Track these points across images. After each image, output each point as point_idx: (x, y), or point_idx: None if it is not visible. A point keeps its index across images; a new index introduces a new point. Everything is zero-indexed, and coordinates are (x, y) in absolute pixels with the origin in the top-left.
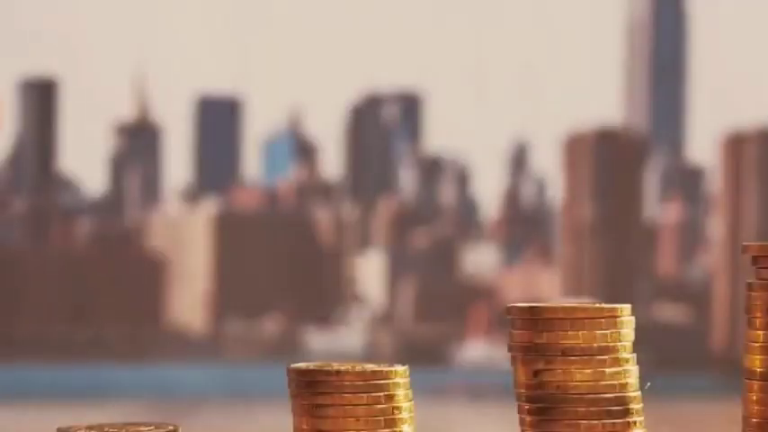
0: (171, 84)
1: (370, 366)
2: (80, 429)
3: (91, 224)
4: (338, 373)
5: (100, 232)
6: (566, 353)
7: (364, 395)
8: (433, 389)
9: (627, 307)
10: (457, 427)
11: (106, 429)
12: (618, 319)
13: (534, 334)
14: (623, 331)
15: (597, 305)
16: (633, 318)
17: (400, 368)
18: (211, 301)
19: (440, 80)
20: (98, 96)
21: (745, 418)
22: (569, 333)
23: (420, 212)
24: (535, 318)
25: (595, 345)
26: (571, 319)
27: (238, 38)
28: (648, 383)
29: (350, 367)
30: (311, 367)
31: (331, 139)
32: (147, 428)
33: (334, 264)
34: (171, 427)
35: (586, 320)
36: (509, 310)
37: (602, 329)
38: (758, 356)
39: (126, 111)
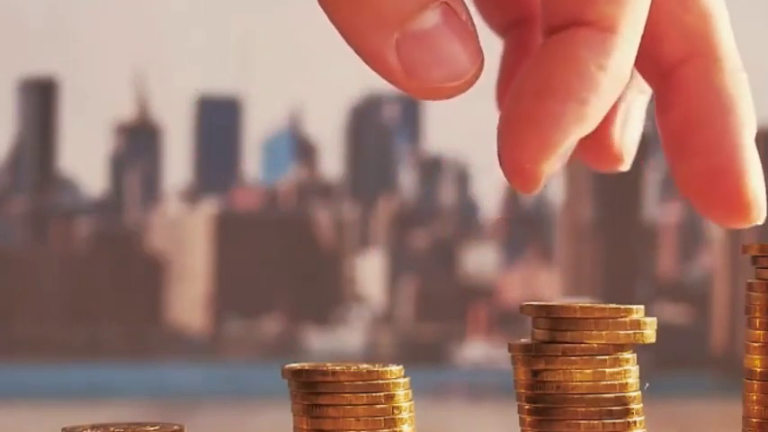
0: (171, 84)
1: (370, 366)
2: (85, 429)
3: (91, 224)
4: (337, 373)
5: (100, 232)
6: (566, 353)
7: (364, 395)
8: (433, 389)
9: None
10: (457, 427)
11: (111, 429)
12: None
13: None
14: None
15: (597, 305)
16: None
17: (400, 368)
18: (211, 301)
19: None
20: (98, 96)
21: (745, 418)
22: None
23: (420, 212)
24: (550, 317)
25: (595, 345)
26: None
27: (238, 38)
28: (647, 384)
29: (348, 367)
30: (307, 367)
31: (331, 139)
32: (152, 428)
33: (333, 264)
34: (176, 427)
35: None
36: (523, 308)
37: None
38: (758, 356)
39: (126, 111)
